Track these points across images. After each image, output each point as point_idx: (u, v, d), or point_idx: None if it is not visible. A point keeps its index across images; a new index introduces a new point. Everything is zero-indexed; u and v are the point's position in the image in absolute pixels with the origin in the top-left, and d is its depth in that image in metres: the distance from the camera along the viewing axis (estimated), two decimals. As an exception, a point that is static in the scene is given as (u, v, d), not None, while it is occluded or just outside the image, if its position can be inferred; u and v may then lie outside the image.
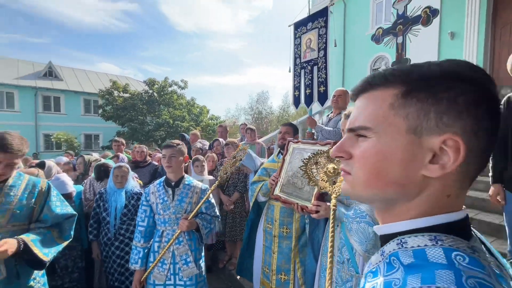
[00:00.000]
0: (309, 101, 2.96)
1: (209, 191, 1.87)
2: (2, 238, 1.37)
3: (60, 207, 1.66)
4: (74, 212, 1.73)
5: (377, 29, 2.41)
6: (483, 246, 0.39)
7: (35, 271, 1.55)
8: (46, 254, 1.51)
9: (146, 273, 1.80)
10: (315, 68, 2.84)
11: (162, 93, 18.30)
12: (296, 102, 3.18)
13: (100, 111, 17.28)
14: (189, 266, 1.81)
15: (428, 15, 2.01)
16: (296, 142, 1.87)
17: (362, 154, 0.41)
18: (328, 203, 1.47)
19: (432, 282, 0.31)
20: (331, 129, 2.76)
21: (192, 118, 18.99)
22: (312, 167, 1.39)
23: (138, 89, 18.72)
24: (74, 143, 16.27)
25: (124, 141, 4.35)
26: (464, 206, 0.42)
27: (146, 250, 1.85)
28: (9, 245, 1.35)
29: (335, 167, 1.26)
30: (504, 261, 0.42)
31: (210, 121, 20.49)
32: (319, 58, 2.80)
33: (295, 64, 3.14)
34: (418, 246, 0.36)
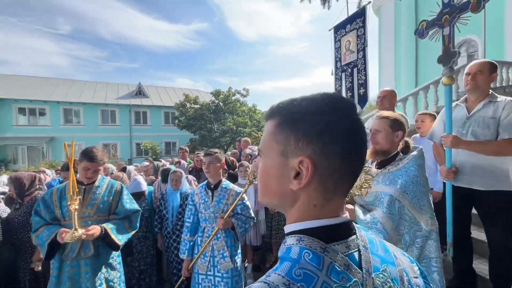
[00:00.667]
0: None
1: (241, 193, 2.07)
2: (91, 225, 1.88)
3: (129, 203, 2.14)
4: (139, 208, 2.19)
5: (421, 22, 2.19)
6: (361, 247, 0.46)
7: (113, 252, 2.04)
8: (120, 239, 1.97)
9: (192, 263, 2.12)
10: (355, 70, 2.74)
11: (226, 102, 19.80)
12: None
13: (176, 121, 19.85)
14: (225, 260, 2.04)
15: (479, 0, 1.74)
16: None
17: (258, 171, 0.53)
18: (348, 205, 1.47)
19: (276, 270, 0.42)
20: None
21: (253, 123, 19.87)
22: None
23: (206, 100, 20.72)
24: (157, 149, 19.15)
25: (187, 149, 5.01)
26: (346, 213, 0.49)
27: (192, 243, 2.17)
28: (95, 230, 1.84)
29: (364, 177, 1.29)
30: (383, 267, 0.47)
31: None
32: (358, 59, 2.70)
33: (336, 68, 3.08)
34: (289, 244, 0.46)
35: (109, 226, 1.94)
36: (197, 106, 19.54)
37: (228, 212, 2.05)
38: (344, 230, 0.47)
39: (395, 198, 1.27)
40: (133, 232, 2.12)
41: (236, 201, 2.04)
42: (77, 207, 1.79)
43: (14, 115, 18.35)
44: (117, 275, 2.05)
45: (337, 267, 0.41)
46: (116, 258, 2.08)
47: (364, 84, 2.76)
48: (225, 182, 2.22)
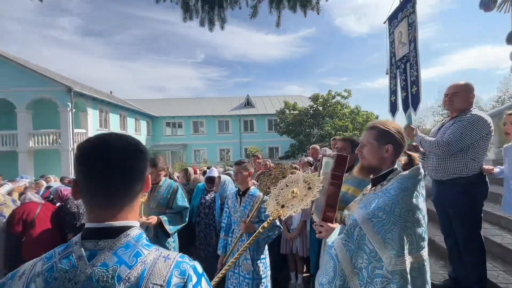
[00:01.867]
0: (405, 105, 2.36)
1: (259, 201, 2.18)
2: (152, 215, 2.51)
3: (181, 201, 2.68)
4: (188, 206, 2.71)
5: (486, -9, 1.61)
6: (107, 247, 0.61)
7: (170, 239, 2.63)
8: (171, 229, 2.53)
9: (223, 259, 2.41)
10: (408, 65, 2.25)
11: (326, 105, 19.27)
12: (393, 108, 2.58)
13: (276, 128, 21.08)
14: (247, 262, 2.21)
15: None
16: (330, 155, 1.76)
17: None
18: (334, 224, 1.36)
19: None
20: (433, 139, 2.10)
21: (356, 126, 18.34)
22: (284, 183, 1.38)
23: (306, 105, 20.89)
24: (261, 154, 20.96)
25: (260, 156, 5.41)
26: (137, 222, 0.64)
27: (225, 241, 2.47)
28: (153, 219, 2.45)
29: (296, 192, 1.21)
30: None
31: (379, 128, 18.77)
32: (410, 52, 2.20)
33: (391, 65, 2.61)
34: None
35: (164, 218, 2.53)
36: (296, 112, 20.03)
37: (249, 217, 2.21)
38: (98, 233, 0.62)
39: (358, 224, 1.08)
40: (183, 224, 2.64)
41: (255, 207, 2.18)
42: (144, 201, 2.46)
43: (164, 128, 24.90)
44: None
45: (71, 256, 0.59)
46: (171, 243, 2.66)
47: (416, 82, 2.22)
48: (253, 190, 2.40)
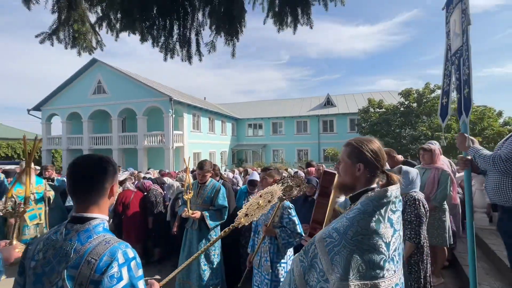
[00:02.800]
0: (459, 110, 1.89)
1: (275, 209, 2.24)
2: (198, 210, 2.95)
3: (222, 200, 3.02)
4: (226, 205, 3.02)
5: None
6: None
7: (212, 231, 3.01)
8: (211, 224, 2.90)
9: (251, 257, 2.59)
10: (461, 60, 1.81)
11: (422, 101, 16.41)
12: (443, 112, 2.08)
13: (358, 128, 19.39)
14: (267, 264, 2.32)
15: None
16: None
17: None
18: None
19: None
20: (488, 153, 1.67)
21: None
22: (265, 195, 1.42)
23: (394, 102, 18.38)
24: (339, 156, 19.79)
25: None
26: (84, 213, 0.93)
27: (253, 241, 2.65)
28: (197, 214, 2.88)
29: (260, 203, 1.26)
30: None
31: (503, 127, 14.71)
32: (463, 44, 1.76)
33: (446, 60, 2.13)
34: None
35: (206, 214, 2.93)
36: (382, 110, 17.90)
37: (269, 221, 2.32)
38: (75, 220, 0.94)
39: (314, 241, 1.05)
40: (222, 221, 2.98)
41: (273, 212, 2.27)
42: (190, 197, 2.92)
43: (246, 129, 26.88)
44: (213, 249, 2.99)
45: (58, 232, 0.92)
46: (214, 236, 3.04)
47: (467, 82, 1.75)
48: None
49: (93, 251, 0.86)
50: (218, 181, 3.64)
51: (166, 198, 4.80)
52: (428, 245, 2.50)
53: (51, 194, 4.95)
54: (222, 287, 3.00)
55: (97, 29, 1.94)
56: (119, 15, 1.86)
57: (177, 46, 2.05)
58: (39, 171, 5.29)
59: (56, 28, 1.74)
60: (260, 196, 1.50)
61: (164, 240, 4.44)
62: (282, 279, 2.31)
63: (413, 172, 2.44)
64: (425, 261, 2.44)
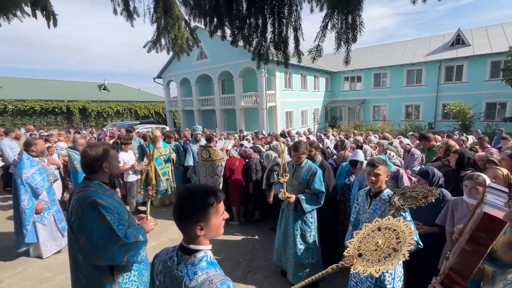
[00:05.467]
0: None
1: (391, 214, 1.87)
2: (293, 192, 2.90)
3: (318, 184, 2.84)
4: (323, 190, 2.82)
5: None
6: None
7: (308, 214, 2.95)
8: (307, 208, 2.82)
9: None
10: None
11: None
12: None
13: (505, 74, 14.17)
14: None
15: None
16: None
17: None
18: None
19: None
20: None
21: None
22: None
23: None
24: (467, 114, 15.49)
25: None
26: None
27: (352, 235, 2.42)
28: (293, 197, 2.84)
29: (380, 245, 0.94)
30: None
31: None
32: None
33: None
34: None
35: (302, 197, 2.85)
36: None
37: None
38: (183, 249, 0.99)
39: None
40: (318, 206, 2.85)
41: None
42: (286, 180, 2.87)
43: (342, 83, 24.39)
44: (308, 230, 2.96)
45: (172, 259, 1.00)
46: (310, 218, 2.98)
47: None
48: (387, 194, 2.08)
49: None
50: (316, 159, 3.44)
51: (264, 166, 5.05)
52: None
53: (173, 156, 6.05)
54: (319, 266, 3.02)
55: (191, 24, 1.89)
56: (211, 17, 1.72)
57: (272, 48, 1.77)
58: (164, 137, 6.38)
59: (157, 36, 1.80)
60: (379, 229, 1.20)
61: (263, 204, 4.81)
62: (388, 286, 2.06)
63: None
64: None
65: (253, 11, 1.60)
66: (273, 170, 4.29)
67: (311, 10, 1.71)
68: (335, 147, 5.71)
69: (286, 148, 4.58)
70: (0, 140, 6.42)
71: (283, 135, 8.05)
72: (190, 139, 6.75)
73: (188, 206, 0.97)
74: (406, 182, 2.97)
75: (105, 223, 1.52)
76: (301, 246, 2.95)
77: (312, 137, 8.49)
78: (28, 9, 2.78)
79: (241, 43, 1.85)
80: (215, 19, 1.72)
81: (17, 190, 3.40)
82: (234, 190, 4.88)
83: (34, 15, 2.83)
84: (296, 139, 7.14)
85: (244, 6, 1.59)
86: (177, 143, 6.40)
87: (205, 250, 1.01)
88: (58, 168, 5.24)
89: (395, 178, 3.02)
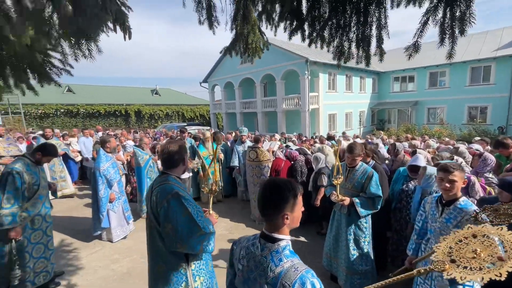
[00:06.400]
0: None
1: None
2: (347, 195, 2.83)
3: (375, 189, 2.72)
4: (381, 195, 2.69)
5: None
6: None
7: (363, 219, 2.83)
8: (362, 212, 2.72)
9: (413, 260, 2.24)
10: None
11: None
12: None
13: None
14: (443, 281, 1.93)
15: None
16: None
17: None
18: None
19: None
20: None
21: None
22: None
23: None
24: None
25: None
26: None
27: (416, 245, 2.26)
28: (347, 200, 2.77)
29: (479, 253, 0.87)
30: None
31: None
32: None
33: None
34: None
35: (356, 200, 2.76)
36: None
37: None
38: (266, 237, 1.06)
39: None
40: (374, 210, 2.72)
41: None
42: (339, 182, 2.81)
43: (391, 84, 22.73)
44: (363, 235, 2.85)
45: (255, 245, 1.08)
46: (364, 223, 2.86)
47: None
48: (464, 202, 1.90)
49: (286, 276, 0.97)
50: (369, 163, 3.30)
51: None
52: None
53: (222, 156, 6.34)
54: (373, 274, 2.88)
55: (263, 25, 2.00)
56: (291, 21, 1.80)
57: (353, 47, 1.77)
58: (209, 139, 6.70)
59: (234, 42, 1.95)
60: (474, 236, 1.10)
61: (307, 207, 4.75)
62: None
63: None
64: None
65: (336, 12, 1.63)
66: (321, 173, 4.21)
67: (397, 5, 1.65)
68: (388, 151, 5.38)
69: (334, 150, 4.48)
70: (78, 138, 7.48)
71: (331, 137, 7.84)
72: (229, 141, 7.05)
73: (276, 197, 1.05)
74: (479, 191, 2.67)
75: (187, 214, 1.68)
76: (354, 252, 2.85)
77: (359, 141, 8.12)
78: (111, 25, 3.25)
79: (318, 44, 1.89)
80: (295, 22, 1.79)
81: (96, 180, 3.93)
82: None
83: (115, 30, 3.30)
84: (343, 142, 6.89)
85: (327, 7, 1.62)
86: (225, 143, 6.70)
87: (287, 240, 1.08)
88: (123, 164, 5.90)
89: (465, 186, 2.73)
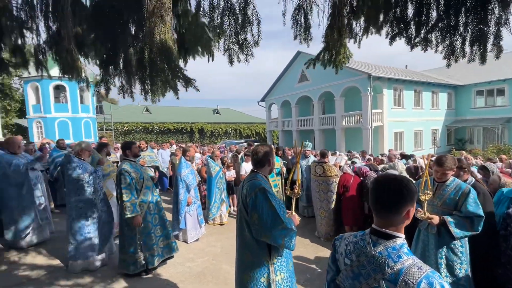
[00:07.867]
0: None
1: None
2: (435, 214, 2.55)
3: (473, 207, 2.39)
4: (483, 215, 2.34)
5: None
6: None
7: (457, 242, 2.49)
8: (457, 233, 2.40)
9: None
10: None
11: None
12: None
13: None
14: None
15: None
16: None
17: None
18: None
19: None
20: None
21: None
22: None
23: None
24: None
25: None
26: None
27: None
28: (435, 219, 2.49)
29: None
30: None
31: None
32: None
33: None
34: None
35: (448, 219, 2.46)
36: None
37: None
38: (378, 233, 1.07)
39: None
40: (474, 232, 2.37)
41: None
42: (427, 198, 2.57)
43: (473, 98, 19.82)
44: (458, 261, 2.49)
45: (365, 240, 1.09)
46: (459, 246, 2.51)
47: None
48: None
49: (408, 273, 0.93)
50: (466, 180, 2.93)
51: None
52: None
53: (284, 170, 6.43)
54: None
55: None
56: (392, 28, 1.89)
57: (466, 46, 1.72)
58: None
59: (323, 53, 2.12)
60: None
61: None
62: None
63: None
64: None
65: (447, 14, 1.64)
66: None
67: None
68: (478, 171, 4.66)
69: (426, 161, 4.13)
70: (158, 149, 8.61)
71: (405, 156, 7.24)
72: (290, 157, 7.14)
73: (400, 193, 1.04)
74: None
75: (271, 207, 1.82)
76: (447, 279, 2.50)
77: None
78: (200, 50, 3.84)
79: (419, 47, 1.89)
80: (398, 26, 1.86)
81: (177, 185, 4.44)
82: (348, 208, 4.69)
83: (203, 54, 3.87)
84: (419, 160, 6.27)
85: (435, 11, 1.64)
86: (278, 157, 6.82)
87: (403, 238, 1.06)
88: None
89: None
